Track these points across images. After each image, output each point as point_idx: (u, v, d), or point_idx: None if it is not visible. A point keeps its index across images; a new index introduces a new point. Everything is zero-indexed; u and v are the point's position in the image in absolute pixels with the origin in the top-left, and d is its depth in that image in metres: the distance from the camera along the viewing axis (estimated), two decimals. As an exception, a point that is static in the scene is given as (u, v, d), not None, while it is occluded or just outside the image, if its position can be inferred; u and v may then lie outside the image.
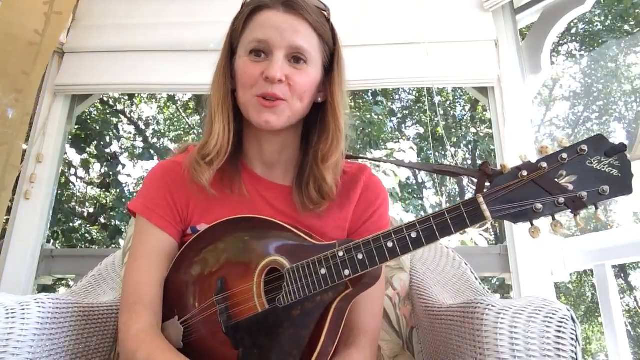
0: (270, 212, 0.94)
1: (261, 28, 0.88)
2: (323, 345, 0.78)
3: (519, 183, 0.70)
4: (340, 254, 0.77)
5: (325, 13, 0.95)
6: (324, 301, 0.79)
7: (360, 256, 0.76)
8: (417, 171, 7.44)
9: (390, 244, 0.75)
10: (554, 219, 0.70)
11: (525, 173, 0.70)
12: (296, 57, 0.88)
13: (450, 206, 0.73)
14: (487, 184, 0.73)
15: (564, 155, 0.69)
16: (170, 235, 0.93)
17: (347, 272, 0.77)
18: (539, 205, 0.69)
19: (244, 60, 0.89)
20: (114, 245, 5.49)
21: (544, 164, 0.69)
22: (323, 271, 0.78)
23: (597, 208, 0.68)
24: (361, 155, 1.07)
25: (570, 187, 0.68)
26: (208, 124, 0.93)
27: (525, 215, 0.70)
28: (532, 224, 0.71)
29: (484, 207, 0.70)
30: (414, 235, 0.73)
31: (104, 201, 7.19)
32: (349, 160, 1.02)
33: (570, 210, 0.68)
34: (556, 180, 0.69)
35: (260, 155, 0.97)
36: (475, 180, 0.76)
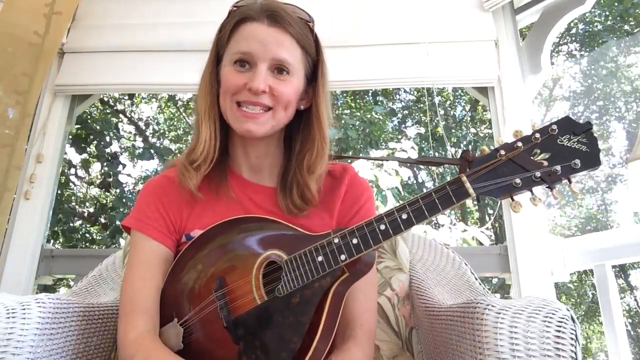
0: (260, 213, 0.96)
1: (246, 40, 0.90)
2: (322, 331, 0.79)
3: (498, 162, 0.76)
4: (336, 240, 0.80)
5: (310, 24, 0.96)
6: (323, 286, 0.80)
7: (354, 240, 0.79)
8: (417, 171, 7.44)
9: (382, 227, 0.78)
10: (532, 193, 0.76)
11: (503, 153, 0.76)
12: (279, 69, 0.91)
13: (436, 186, 0.77)
14: (468, 169, 0.78)
15: (537, 135, 0.75)
16: (165, 245, 0.95)
17: (343, 256, 0.79)
18: (518, 181, 0.74)
19: (229, 70, 0.92)
20: (114, 245, 5.49)
21: (520, 144, 0.75)
22: (320, 258, 0.80)
23: (570, 181, 0.74)
24: (343, 155, 1.10)
25: (545, 163, 0.74)
26: (195, 130, 0.96)
27: (506, 191, 0.75)
28: (512, 199, 0.76)
29: (468, 185, 0.75)
30: (404, 216, 0.77)
31: (104, 201, 7.19)
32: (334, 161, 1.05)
33: (546, 185, 0.74)
34: (532, 157, 0.75)
35: (247, 160, 1.00)
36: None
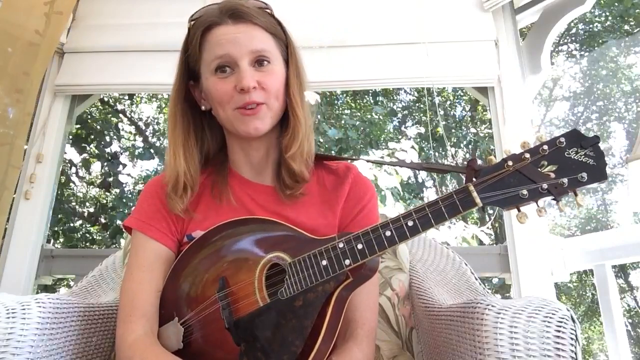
0: (263, 213, 0.96)
1: (218, 45, 0.91)
2: (324, 335, 0.79)
3: (506, 172, 0.76)
4: (341, 245, 0.80)
5: (268, 10, 0.97)
6: (326, 291, 0.80)
7: (359, 246, 0.79)
8: (417, 171, 7.45)
9: (388, 233, 0.78)
10: (538, 205, 0.76)
11: (510, 163, 0.76)
12: (260, 60, 0.91)
13: (443, 195, 0.77)
14: (474, 179, 0.78)
15: (545, 147, 0.75)
16: (166, 245, 0.95)
17: (347, 261, 0.79)
18: (525, 192, 0.74)
19: (212, 80, 0.92)
20: (114, 245, 5.48)
21: (527, 155, 0.75)
22: (324, 262, 0.80)
23: (576, 194, 0.74)
24: (354, 157, 1.10)
25: (552, 175, 0.74)
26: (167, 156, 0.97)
27: (512, 201, 0.75)
28: (519, 210, 0.76)
29: (475, 194, 0.75)
30: (410, 223, 0.77)
31: (104, 201, 7.19)
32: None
33: (552, 197, 0.74)
34: (539, 169, 0.75)
35: (249, 162, 1.00)
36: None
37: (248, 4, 0.94)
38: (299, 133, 0.94)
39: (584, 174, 0.73)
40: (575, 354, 0.69)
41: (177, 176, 0.93)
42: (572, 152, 0.74)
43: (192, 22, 0.96)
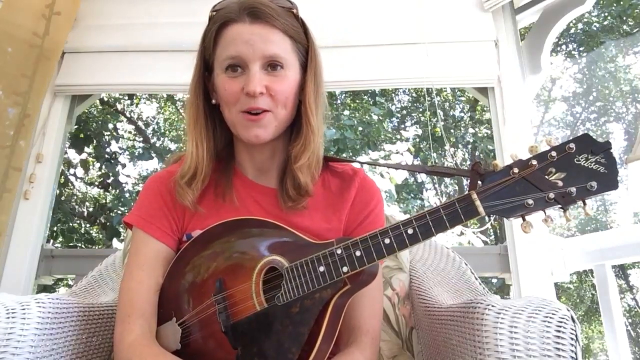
0: (264, 216, 0.94)
1: (232, 44, 0.88)
2: (322, 342, 0.79)
3: (511, 180, 0.73)
4: (339, 251, 0.78)
5: (293, 11, 0.94)
6: (323, 298, 0.79)
7: (358, 253, 0.77)
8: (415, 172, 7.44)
9: (387, 241, 0.76)
10: (545, 214, 0.72)
11: (516, 170, 0.73)
12: (272, 65, 0.88)
13: (444, 202, 0.75)
14: (479, 182, 0.75)
15: (553, 154, 0.71)
16: (166, 244, 0.94)
17: (345, 268, 0.78)
18: (530, 201, 0.71)
19: (222, 78, 0.90)
20: (113, 246, 5.48)
21: (534, 162, 0.72)
22: (322, 268, 0.79)
23: (585, 203, 0.71)
24: (356, 159, 1.08)
25: (560, 183, 0.71)
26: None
27: (517, 211, 0.72)
28: (523, 219, 0.73)
29: (478, 202, 0.73)
30: (410, 231, 0.75)
31: (104, 201, 7.19)
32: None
33: (560, 206, 0.71)
34: (546, 177, 0.71)
35: (253, 164, 0.98)
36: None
37: (270, 3, 0.90)
38: (311, 144, 0.91)
39: (594, 183, 0.69)
40: (575, 354, 0.69)
41: (196, 167, 0.91)
42: (582, 158, 0.70)
43: (213, 13, 0.93)
